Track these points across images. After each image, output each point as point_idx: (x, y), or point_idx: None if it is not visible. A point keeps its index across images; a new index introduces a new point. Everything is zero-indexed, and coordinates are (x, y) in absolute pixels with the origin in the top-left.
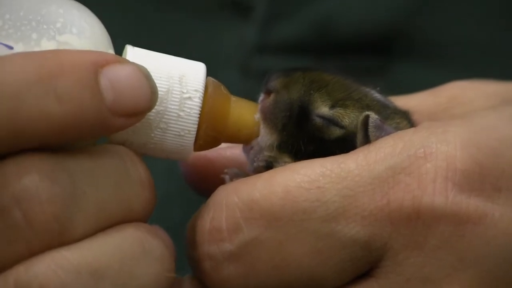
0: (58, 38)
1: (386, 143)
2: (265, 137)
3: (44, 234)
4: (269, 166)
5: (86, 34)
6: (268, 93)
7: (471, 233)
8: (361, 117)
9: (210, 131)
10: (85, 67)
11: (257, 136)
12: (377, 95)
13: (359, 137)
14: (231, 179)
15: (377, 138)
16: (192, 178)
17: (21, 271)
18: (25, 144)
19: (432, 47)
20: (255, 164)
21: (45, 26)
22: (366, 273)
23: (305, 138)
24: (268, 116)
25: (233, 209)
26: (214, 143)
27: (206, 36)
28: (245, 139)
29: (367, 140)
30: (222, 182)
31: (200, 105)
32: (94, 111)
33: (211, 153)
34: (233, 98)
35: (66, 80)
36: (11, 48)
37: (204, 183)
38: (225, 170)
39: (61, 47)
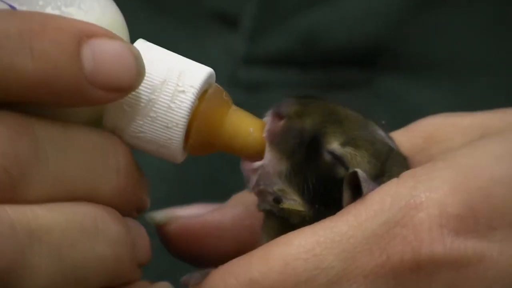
0: (63, 9)
1: (373, 200)
2: (273, 162)
3: None
4: (277, 200)
5: (96, 14)
6: (279, 116)
7: (473, 275)
8: (346, 175)
9: (202, 131)
10: (69, 32)
11: (259, 155)
12: (383, 136)
13: (345, 196)
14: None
15: (369, 191)
16: (175, 248)
17: None
18: None
19: (418, 60)
20: (261, 187)
21: None
22: None
23: (313, 173)
24: (276, 140)
25: None
26: (207, 146)
27: (194, 46)
28: (238, 149)
29: (356, 197)
30: (205, 249)
31: (193, 101)
32: (68, 74)
33: (189, 220)
34: (234, 107)
35: (44, 39)
36: (14, 8)
37: (186, 250)
38: (183, 278)
39: None
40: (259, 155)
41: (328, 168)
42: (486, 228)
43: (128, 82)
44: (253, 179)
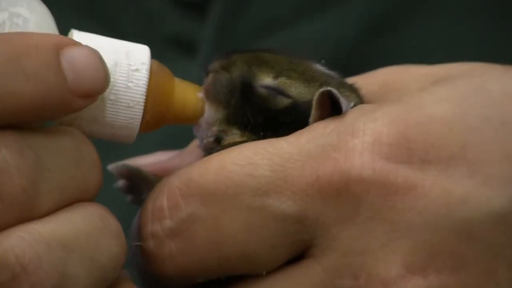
0: (10, 9)
1: (318, 125)
2: (211, 113)
3: (14, 206)
4: (218, 139)
5: (37, 9)
6: (209, 74)
7: (401, 203)
8: (317, 93)
9: (157, 106)
10: (48, 48)
11: (202, 114)
12: (320, 67)
13: (314, 113)
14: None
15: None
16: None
17: None
18: None
19: None
20: (204, 140)
21: None
22: (304, 255)
23: (253, 110)
24: (211, 94)
25: (173, 189)
26: (161, 120)
27: None
28: (190, 117)
29: (334, 113)
30: None
31: (147, 77)
32: (58, 90)
33: (151, 168)
34: (177, 79)
35: (33, 60)
36: None
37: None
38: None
39: (14, 18)
40: None
41: (266, 101)
42: (420, 160)
43: (101, 85)
44: (199, 135)
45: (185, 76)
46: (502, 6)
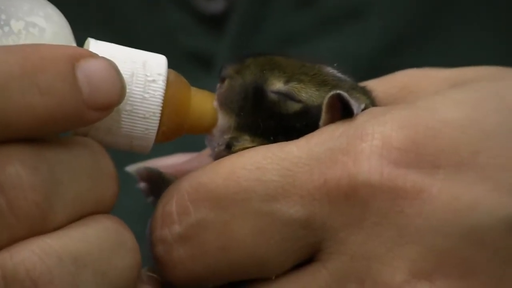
0: (26, 19)
1: (328, 128)
2: (223, 121)
3: (27, 221)
4: (229, 146)
5: (53, 18)
6: (222, 81)
7: (409, 208)
8: (327, 96)
9: (173, 116)
10: (63, 61)
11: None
12: (332, 71)
13: (324, 117)
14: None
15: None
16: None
17: (6, 258)
18: (10, 136)
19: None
20: (216, 149)
21: (12, 9)
22: (312, 259)
23: (262, 116)
24: (224, 102)
25: (182, 193)
26: (177, 130)
27: None
28: (206, 127)
29: (345, 116)
30: None
31: (164, 88)
32: (73, 104)
33: (168, 171)
34: (193, 88)
35: (47, 73)
36: None
37: None
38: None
39: (30, 28)
40: None
41: (277, 107)
42: (429, 165)
43: (116, 97)
44: (212, 144)
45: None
46: None
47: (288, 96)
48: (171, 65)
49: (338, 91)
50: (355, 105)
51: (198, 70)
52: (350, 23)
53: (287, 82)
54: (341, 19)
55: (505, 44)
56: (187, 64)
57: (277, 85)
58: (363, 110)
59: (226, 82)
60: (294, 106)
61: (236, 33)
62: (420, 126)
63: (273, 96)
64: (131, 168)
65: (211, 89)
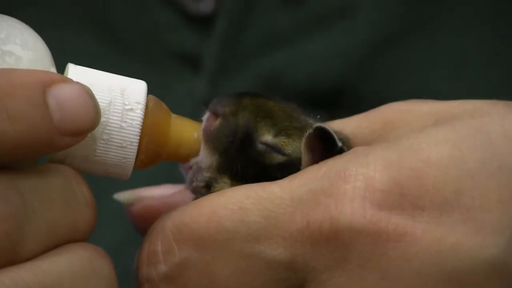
0: (2, 47)
1: (311, 168)
2: (205, 158)
3: None
4: (208, 186)
5: (29, 45)
6: (215, 115)
7: (392, 251)
8: (304, 137)
9: (152, 145)
10: (34, 86)
11: (197, 155)
12: (313, 121)
13: (304, 158)
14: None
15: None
16: (139, 227)
17: None
18: None
19: (380, 99)
20: (194, 184)
21: None
22: None
23: (245, 162)
24: (210, 139)
25: (167, 233)
26: (155, 158)
27: (157, 86)
28: (185, 156)
29: (325, 154)
30: None
31: (142, 116)
32: (43, 130)
33: (153, 201)
34: (174, 115)
35: (17, 99)
36: None
37: None
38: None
39: (6, 57)
40: None
41: (262, 157)
42: (412, 207)
43: (90, 123)
44: (189, 176)
45: (189, 90)
46: (506, 19)
47: (275, 149)
48: (158, 65)
49: (314, 127)
50: (334, 134)
51: (186, 70)
52: (338, 22)
53: (276, 135)
54: (328, 18)
55: (492, 40)
56: (175, 64)
57: (267, 136)
58: (342, 141)
59: (218, 121)
60: (279, 158)
61: (223, 33)
62: (403, 167)
63: (260, 147)
64: (120, 196)
65: (198, 90)
